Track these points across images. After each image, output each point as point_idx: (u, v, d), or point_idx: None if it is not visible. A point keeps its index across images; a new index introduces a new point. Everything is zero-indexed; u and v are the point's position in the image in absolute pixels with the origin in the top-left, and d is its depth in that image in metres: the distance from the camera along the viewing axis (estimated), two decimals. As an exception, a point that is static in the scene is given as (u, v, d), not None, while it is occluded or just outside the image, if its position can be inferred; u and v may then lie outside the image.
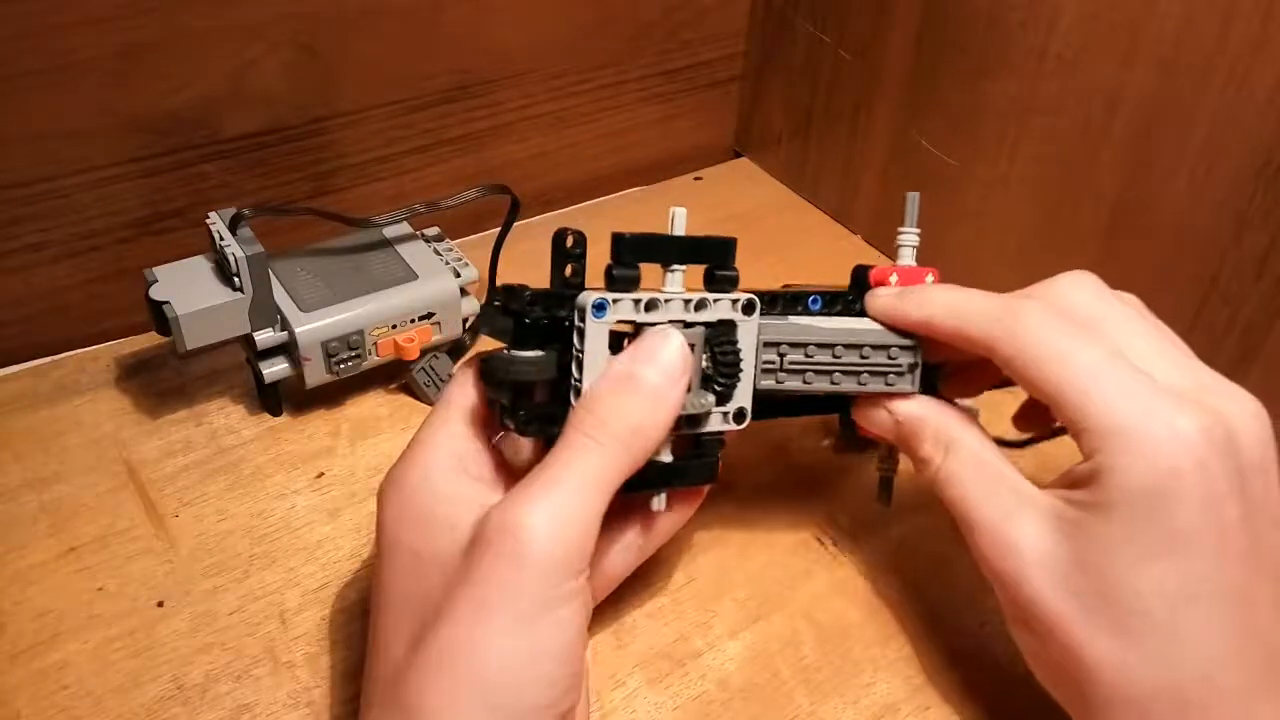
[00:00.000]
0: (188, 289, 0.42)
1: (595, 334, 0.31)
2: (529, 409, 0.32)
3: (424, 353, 0.47)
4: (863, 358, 0.35)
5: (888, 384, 0.36)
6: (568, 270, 0.32)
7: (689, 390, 0.33)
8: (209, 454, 0.45)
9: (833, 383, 0.36)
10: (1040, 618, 0.31)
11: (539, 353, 0.31)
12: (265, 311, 0.43)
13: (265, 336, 0.43)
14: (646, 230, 0.32)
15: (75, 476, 0.43)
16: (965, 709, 0.37)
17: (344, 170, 0.55)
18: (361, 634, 0.37)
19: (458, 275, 0.47)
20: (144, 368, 0.48)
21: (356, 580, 0.40)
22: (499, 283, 0.51)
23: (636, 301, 0.32)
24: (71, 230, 0.48)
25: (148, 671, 0.36)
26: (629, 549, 0.35)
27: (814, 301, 0.37)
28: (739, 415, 0.35)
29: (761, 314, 0.34)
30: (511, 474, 0.33)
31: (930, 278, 0.37)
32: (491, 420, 0.33)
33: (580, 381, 0.31)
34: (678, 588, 0.40)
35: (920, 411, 0.36)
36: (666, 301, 0.32)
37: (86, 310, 0.50)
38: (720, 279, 0.34)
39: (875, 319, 0.36)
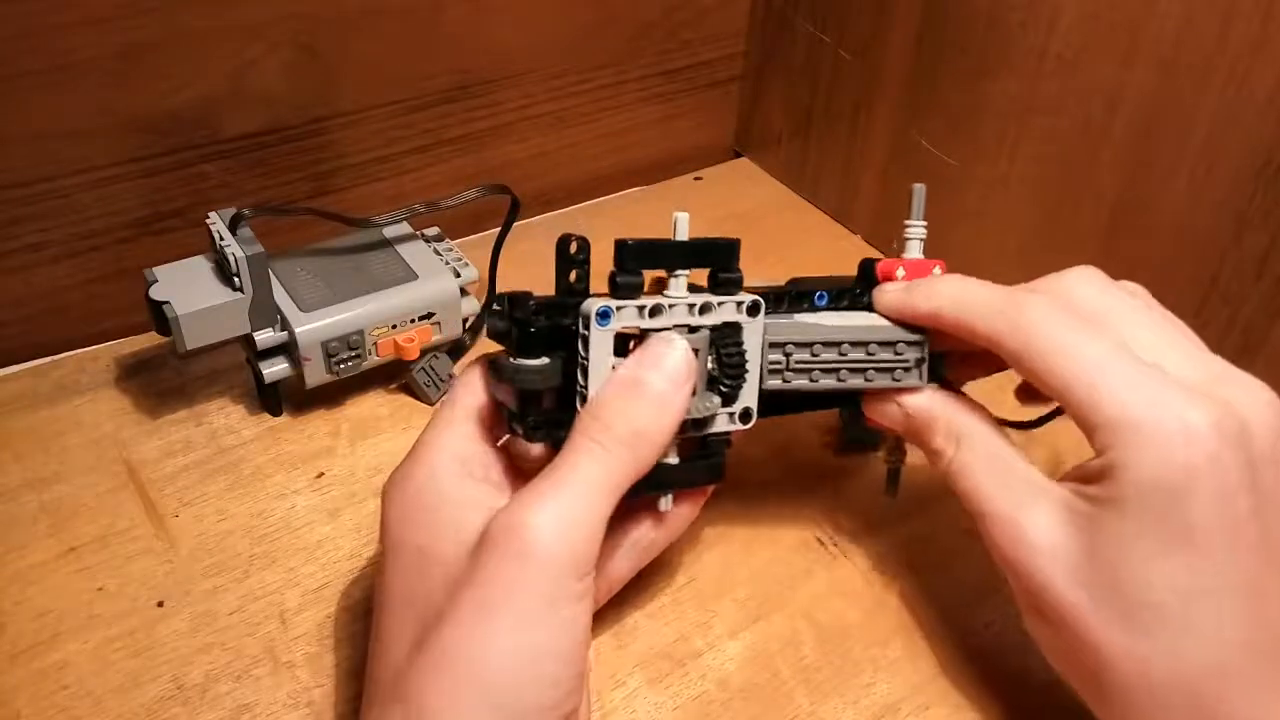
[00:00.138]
0: (188, 289, 0.42)
1: (600, 341, 0.31)
2: (536, 415, 0.32)
3: (424, 353, 0.47)
4: (869, 354, 0.35)
5: (895, 379, 0.36)
6: (572, 276, 0.32)
7: (694, 394, 0.33)
8: (209, 454, 0.45)
9: (839, 380, 0.36)
10: (1053, 609, 0.31)
11: (544, 360, 0.31)
12: (265, 311, 0.43)
13: (265, 336, 0.43)
14: (648, 233, 0.32)
15: (75, 476, 0.43)
16: (965, 709, 0.37)
17: (344, 170, 0.55)
18: (362, 634, 0.38)
19: (458, 275, 0.47)
20: (144, 368, 0.48)
21: (356, 580, 0.40)
22: (499, 284, 0.51)
23: (641, 308, 0.32)
24: (71, 230, 0.48)
25: (148, 671, 0.36)
26: (635, 550, 0.35)
27: (820, 298, 0.37)
28: (745, 415, 0.35)
29: (767, 313, 0.34)
30: (516, 476, 0.34)
31: (937, 269, 0.37)
32: (496, 422, 0.33)
33: (586, 388, 0.31)
34: (678, 588, 0.40)
35: (931, 404, 0.36)
36: (671, 306, 0.32)
37: (86, 310, 0.50)
38: (725, 281, 0.34)
39: (883, 315, 0.36)
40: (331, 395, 0.47)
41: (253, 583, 0.39)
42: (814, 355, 0.35)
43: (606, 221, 0.61)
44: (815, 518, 0.43)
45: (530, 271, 0.53)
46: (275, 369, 0.44)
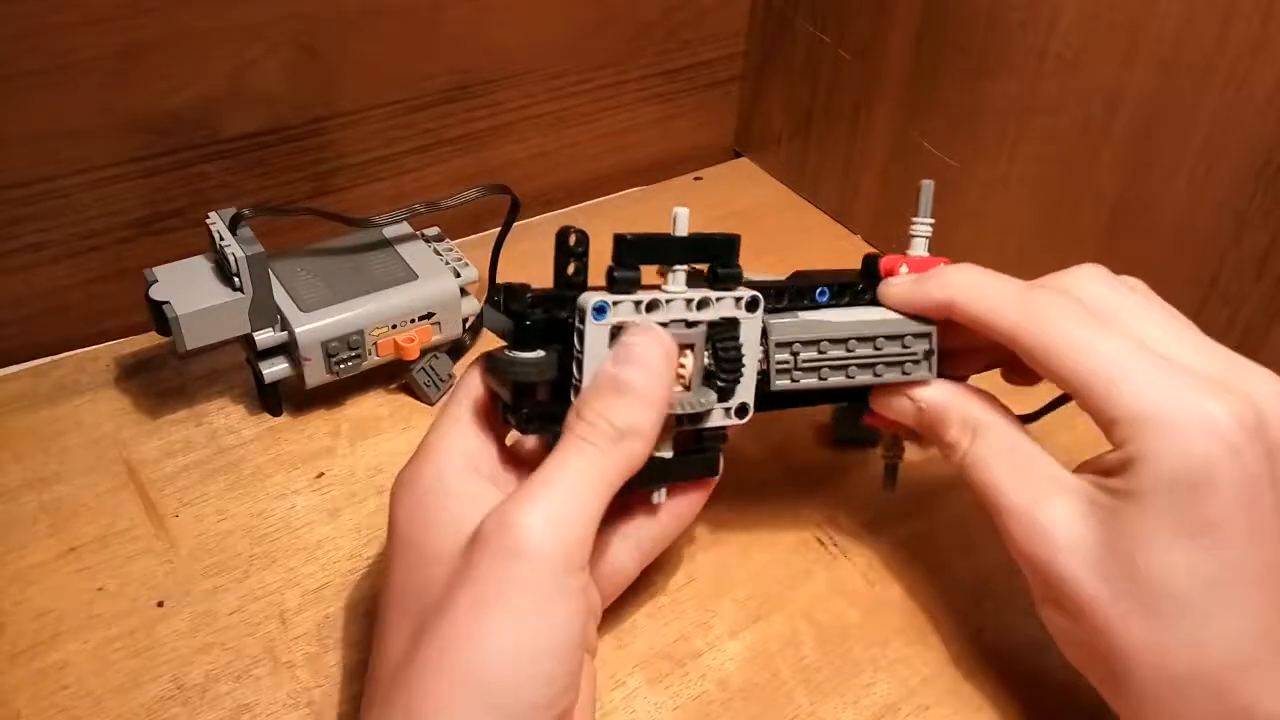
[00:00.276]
0: (188, 289, 0.42)
1: (595, 336, 0.31)
2: (531, 408, 0.32)
3: (424, 353, 0.47)
4: (877, 349, 0.35)
5: (904, 373, 0.36)
6: (570, 269, 0.32)
7: (689, 388, 0.33)
8: (209, 454, 0.45)
9: (848, 377, 0.35)
10: (1072, 601, 0.31)
11: (540, 353, 0.31)
12: (265, 311, 0.43)
13: (265, 336, 0.43)
14: (647, 230, 0.32)
15: (75, 476, 0.43)
16: (965, 709, 0.37)
17: (344, 170, 0.55)
18: (362, 634, 0.38)
19: (458, 275, 0.47)
20: (144, 368, 0.48)
21: (356, 580, 0.40)
22: (498, 282, 0.51)
23: (637, 303, 0.32)
24: (71, 230, 0.48)
25: (148, 671, 0.36)
26: (637, 546, 0.35)
27: (822, 294, 0.37)
28: (741, 410, 0.35)
29: (768, 309, 0.34)
30: (525, 473, 0.34)
31: (942, 266, 0.37)
32: (501, 420, 0.34)
33: (581, 382, 0.31)
34: (678, 588, 0.40)
35: (944, 397, 0.36)
36: (668, 301, 0.32)
37: (86, 310, 0.50)
38: (724, 277, 0.34)
39: (891, 308, 0.36)
40: (331, 395, 0.47)
41: (253, 583, 0.39)
42: (821, 353, 0.35)
43: (606, 221, 0.61)
44: (815, 518, 0.43)
45: (530, 271, 0.53)
46: (275, 369, 0.44)
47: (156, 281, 0.42)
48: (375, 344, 0.45)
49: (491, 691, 0.27)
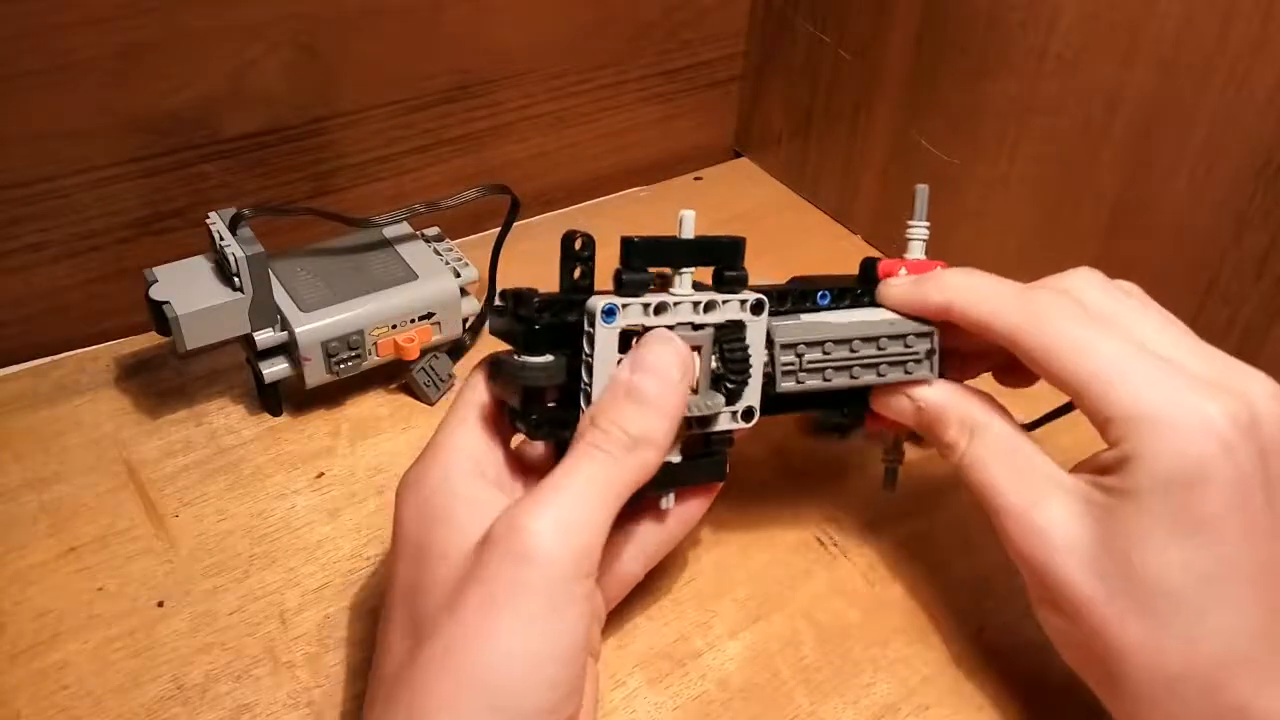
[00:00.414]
0: (188, 289, 0.42)
1: (605, 339, 0.31)
2: (540, 413, 0.32)
3: (424, 353, 0.47)
4: (880, 349, 0.35)
5: (906, 372, 0.36)
6: (576, 273, 0.32)
7: (697, 391, 0.33)
8: (209, 454, 0.45)
9: (852, 377, 0.36)
10: (1069, 600, 0.31)
11: (549, 358, 0.31)
12: (265, 311, 0.43)
13: (265, 336, 0.43)
14: (649, 231, 0.32)
15: (75, 476, 0.43)
16: (965, 709, 0.37)
17: (344, 170, 0.55)
18: (362, 634, 0.38)
19: (458, 275, 0.47)
20: (144, 368, 0.48)
21: (357, 580, 0.40)
22: (499, 284, 0.51)
23: (646, 306, 0.32)
24: (71, 230, 0.48)
25: (148, 671, 0.36)
26: (643, 550, 0.35)
27: (823, 297, 0.37)
28: (748, 414, 0.35)
29: (771, 313, 0.34)
30: (528, 478, 0.34)
31: (939, 270, 0.37)
32: (506, 424, 0.33)
33: (590, 386, 0.31)
34: (678, 588, 0.40)
35: (943, 397, 0.36)
36: (675, 304, 0.32)
37: (86, 310, 0.50)
38: (729, 279, 0.34)
39: (891, 307, 0.36)
40: (331, 395, 0.47)
41: (253, 583, 0.39)
42: (826, 354, 0.35)
43: (607, 221, 0.61)
44: (815, 518, 0.43)
45: (531, 271, 0.53)
46: (275, 369, 0.44)
47: (156, 281, 0.42)
48: (375, 344, 0.45)
49: (495, 694, 0.27)
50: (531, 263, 0.54)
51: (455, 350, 0.49)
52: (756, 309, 0.34)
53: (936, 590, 0.41)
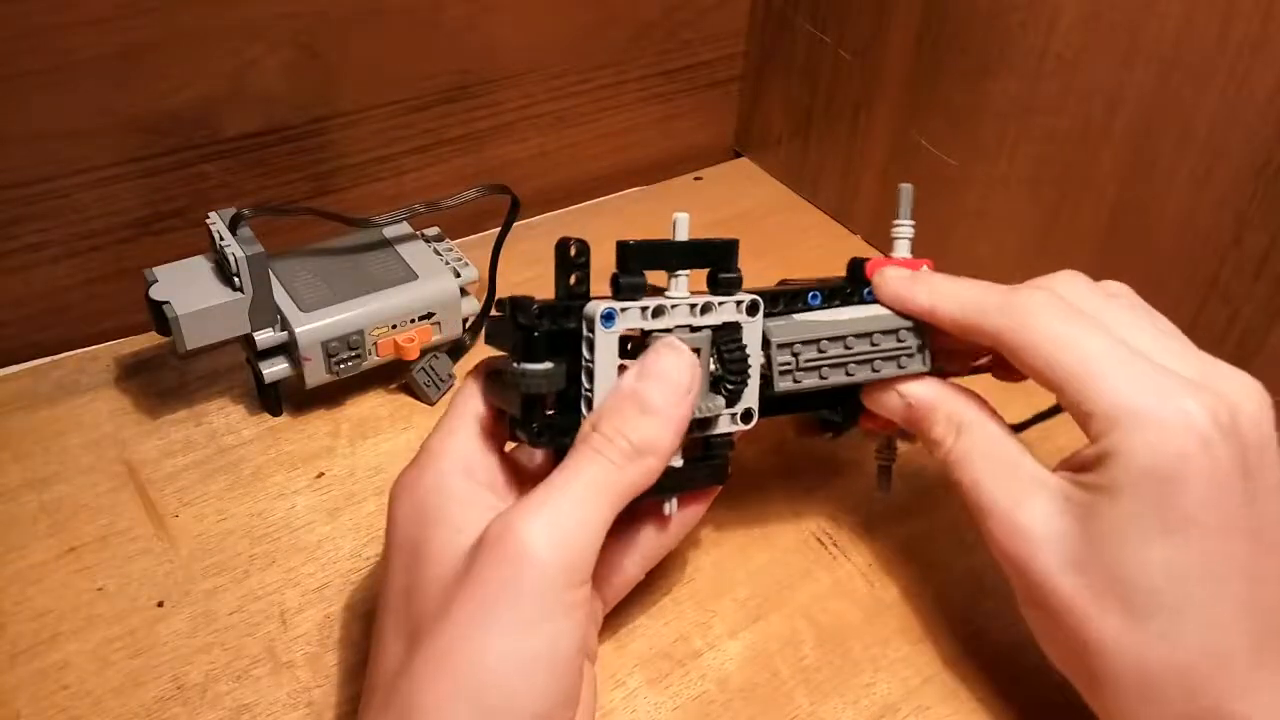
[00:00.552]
0: (188, 289, 0.42)
1: (605, 344, 0.31)
2: (540, 420, 0.32)
3: (424, 353, 0.47)
4: (873, 345, 0.36)
5: (900, 366, 0.36)
6: (572, 279, 0.32)
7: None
8: (209, 454, 0.45)
9: (848, 374, 0.36)
10: (1050, 598, 0.31)
11: (549, 365, 0.31)
12: (265, 311, 0.43)
13: (265, 336, 0.43)
14: (648, 233, 0.32)
15: (75, 476, 0.43)
16: (965, 709, 0.37)
17: (344, 170, 0.55)
18: (362, 634, 0.38)
19: (458, 275, 0.47)
20: (144, 368, 0.48)
21: (356, 580, 0.40)
22: (499, 284, 0.51)
23: (644, 309, 0.32)
24: (71, 230, 0.48)
25: (148, 671, 0.36)
26: (641, 554, 0.35)
27: (814, 297, 0.37)
28: (746, 416, 0.35)
29: (765, 315, 0.34)
30: (521, 484, 0.34)
31: (926, 268, 0.37)
32: (500, 430, 0.33)
33: (591, 391, 0.31)
34: (678, 588, 0.40)
35: (931, 394, 0.36)
36: (673, 307, 0.32)
37: (86, 310, 0.50)
38: (724, 281, 0.34)
39: (884, 302, 0.37)
40: (331, 395, 0.47)
41: (253, 583, 0.39)
42: (821, 352, 0.35)
43: (606, 221, 0.61)
44: (815, 518, 0.43)
45: (530, 271, 0.53)
46: (275, 369, 0.44)
47: (156, 281, 0.42)
48: (375, 344, 0.45)
49: (487, 697, 0.27)
50: (531, 263, 0.54)
51: (455, 350, 0.49)
52: (752, 310, 0.34)
53: (936, 590, 0.41)
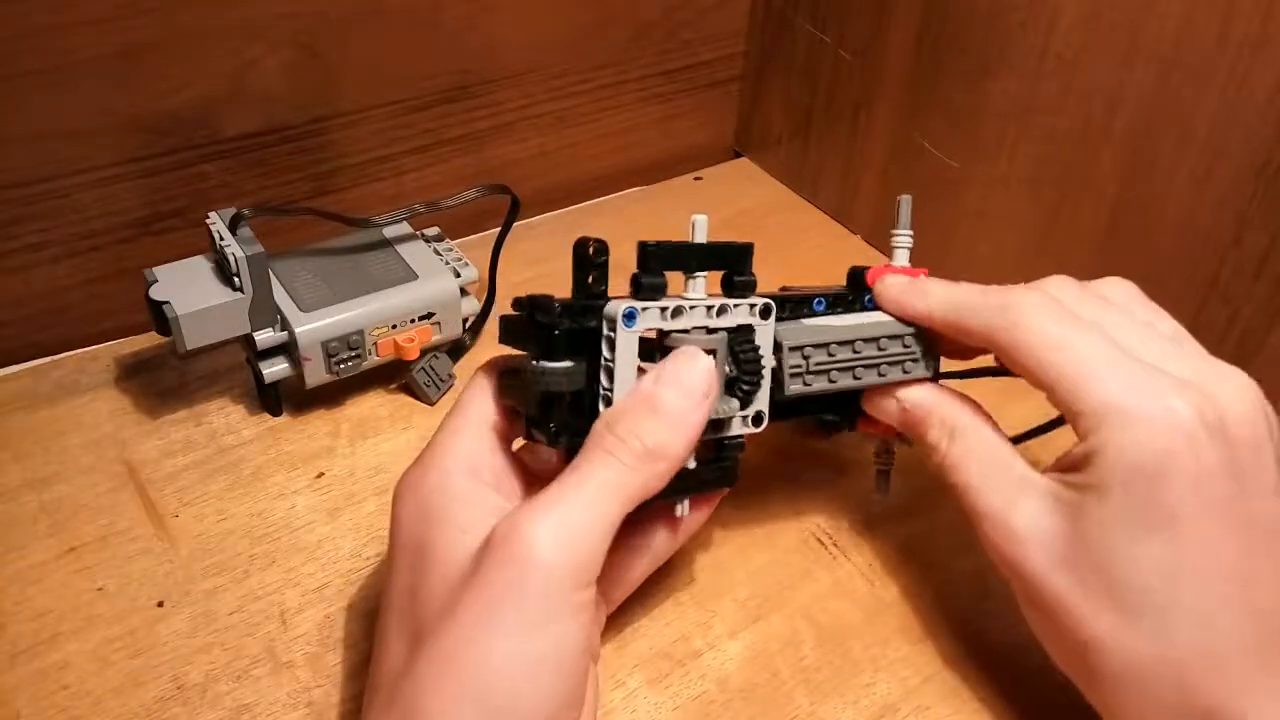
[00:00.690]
0: (188, 289, 0.42)
1: (625, 343, 0.31)
2: (558, 421, 0.32)
3: (424, 353, 0.47)
4: (880, 349, 0.36)
5: (905, 371, 0.37)
6: (590, 279, 0.32)
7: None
8: (209, 454, 0.45)
9: (855, 377, 0.36)
10: (1045, 597, 0.32)
11: (568, 363, 0.31)
12: (265, 311, 0.43)
13: (265, 336, 0.43)
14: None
15: (75, 476, 0.43)
16: (965, 709, 0.37)
17: (344, 170, 0.55)
18: (362, 634, 0.38)
19: (458, 275, 0.47)
20: (144, 368, 0.48)
21: (357, 580, 0.40)
22: (499, 284, 0.51)
23: (664, 309, 0.32)
24: (71, 230, 0.48)
25: (148, 671, 0.36)
26: (648, 556, 0.35)
27: (818, 303, 0.37)
28: (758, 419, 0.35)
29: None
30: (528, 484, 0.34)
31: (922, 277, 0.38)
32: (508, 429, 0.33)
33: (611, 390, 0.31)
34: (678, 588, 0.40)
35: (926, 398, 0.36)
36: (691, 308, 0.32)
37: (86, 310, 0.50)
38: (739, 284, 0.34)
39: (884, 307, 0.37)
40: (331, 395, 0.47)
41: (253, 583, 0.39)
42: (830, 355, 0.35)
43: (606, 221, 0.61)
44: (815, 518, 0.43)
45: (531, 271, 0.53)
46: (275, 369, 0.44)
47: (156, 281, 0.42)
48: (375, 344, 0.45)
49: (493, 702, 0.27)
50: (531, 263, 0.54)
51: (455, 350, 0.49)
52: (765, 313, 0.34)
53: (936, 590, 0.41)
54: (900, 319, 0.37)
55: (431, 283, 0.46)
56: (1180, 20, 0.43)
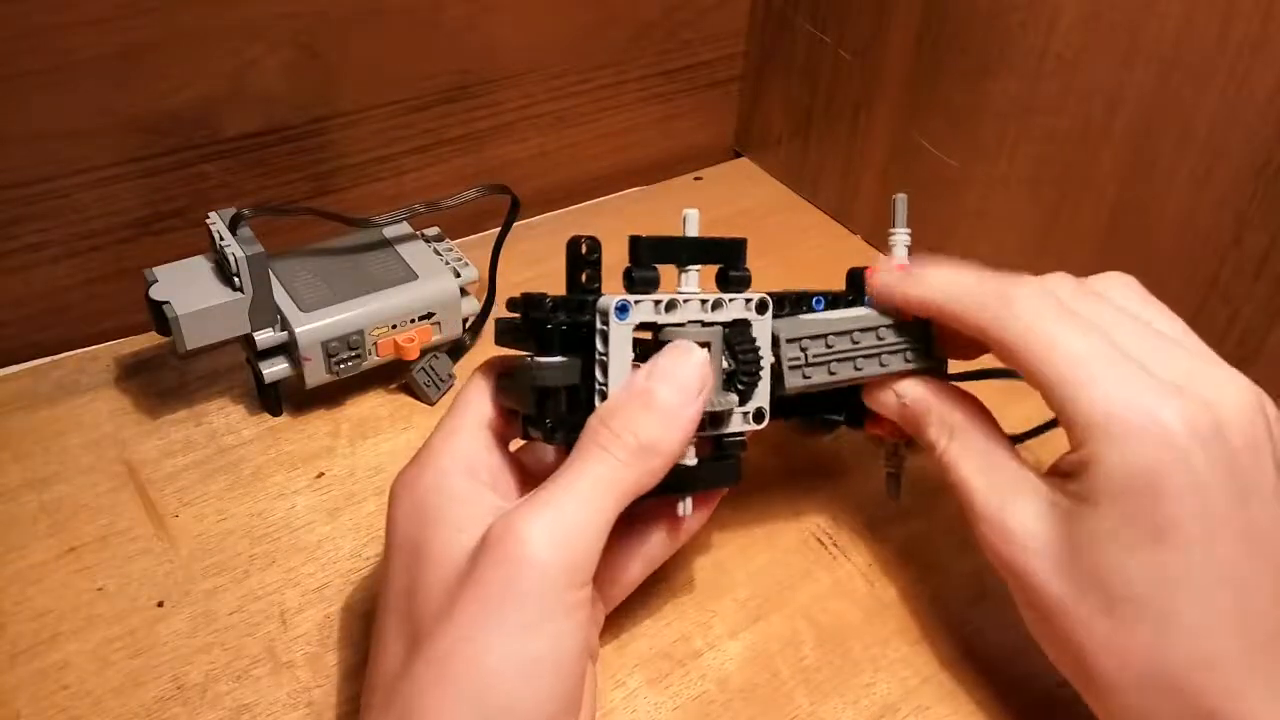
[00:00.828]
0: (188, 289, 0.42)
1: (619, 336, 0.31)
2: (554, 416, 0.32)
3: (424, 353, 0.47)
4: (879, 339, 0.36)
5: (907, 360, 0.37)
6: (583, 276, 0.32)
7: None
8: (209, 454, 0.45)
9: (856, 369, 0.36)
10: (1041, 600, 0.31)
11: (562, 359, 0.31)
12: (265, 311, 0.43)
13: (265, 336, 0.43)
14: (651, 231, 0.32)
15: (75, 476, 0.43)
16: (965, 710, 0.37)
17: (344, 170, 0.55)
18: (362, 633, 0.38)
19: (458, 275, 0.47)
20: (144, 368, 0.48)
21: (356, 580, 0.40)
22: (499, 284, 0.51)
23: (657, 302, 0.32)
24: (71, 230, 0.48)
25: (148, 671, 0.36)
26: (651, 554, 0.35)
27: (818, 302, 0.37)
28: (758, 415, 0.35)
29: (771, 316, 0.34)
30: (525, 483, 0.33)
31: (921, 268, 0.37)
32: (505, 429, 0.33)
33: (605, 384, 0.31)
34: (678, 588, 0.40)
35: (925, 394, 0.36)
36: (685, 302, 0.32)
37: (86, 310, 0.50)
38: (733, 279, 0.34)
39: (876, 300, 0.37)
40: (331, 395, 0.47)
41: (253, 583, 0.39)
42: (829, 347, 0.35)
43: (606, 221, 0.61)
44: (815, 518, 0.43)
45: (531, 271, 0.53)
46: (275, 369, 0.44)
47: (156, 281, 0.42)
48: (375, 344, 0.45)
49: (491, 703, 0.27)
50: (532, 263, 0.54)
51: (455, 350, 0.49)
52: (761, 308, 0.34)
53: (936, 590, 0.41)
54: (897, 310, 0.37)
55: (431, 283, 0.46)
56: (1180, 20, 0.43)
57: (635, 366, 0.32)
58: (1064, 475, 0.32)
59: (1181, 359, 0.31)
